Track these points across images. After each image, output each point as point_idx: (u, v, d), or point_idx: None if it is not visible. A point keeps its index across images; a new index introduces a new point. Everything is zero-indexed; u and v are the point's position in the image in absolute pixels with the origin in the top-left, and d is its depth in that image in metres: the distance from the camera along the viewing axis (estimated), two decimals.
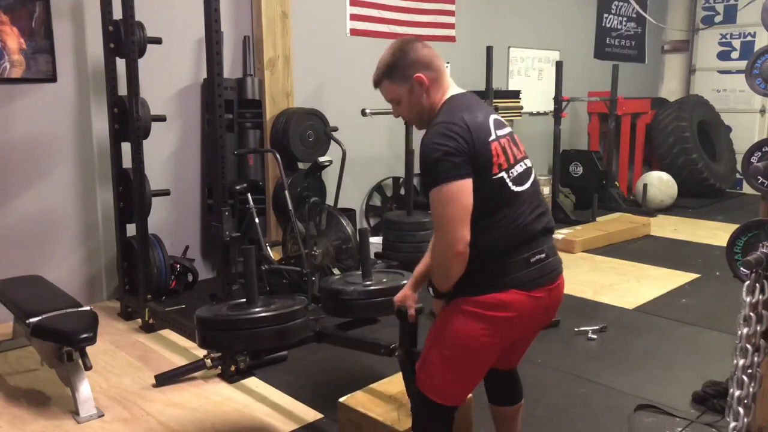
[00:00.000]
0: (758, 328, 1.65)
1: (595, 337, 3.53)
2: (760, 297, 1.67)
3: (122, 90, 3.73)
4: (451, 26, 6.17)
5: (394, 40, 1.92)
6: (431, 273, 1.88)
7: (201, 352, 3.15)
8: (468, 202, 1.68)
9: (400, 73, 1.83)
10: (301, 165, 4.83)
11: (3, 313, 3.40)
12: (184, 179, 4.54)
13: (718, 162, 7.90)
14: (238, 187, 4.11)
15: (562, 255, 1.95)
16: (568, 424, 2.65)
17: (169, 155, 4.45)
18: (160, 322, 3.65)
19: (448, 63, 1.95)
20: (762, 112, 8.44)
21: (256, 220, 4.08)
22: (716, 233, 5.81)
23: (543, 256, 1.78)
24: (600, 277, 4.71)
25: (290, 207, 4.06)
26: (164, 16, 4.24)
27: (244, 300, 2.40)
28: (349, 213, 4.89)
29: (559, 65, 6.40)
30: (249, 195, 4.08)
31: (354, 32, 5.43)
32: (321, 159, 4.44)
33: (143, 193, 3.68)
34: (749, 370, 1.64)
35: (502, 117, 1.98)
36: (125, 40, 3.56)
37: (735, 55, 8.65)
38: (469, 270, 1.72)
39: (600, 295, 4.29)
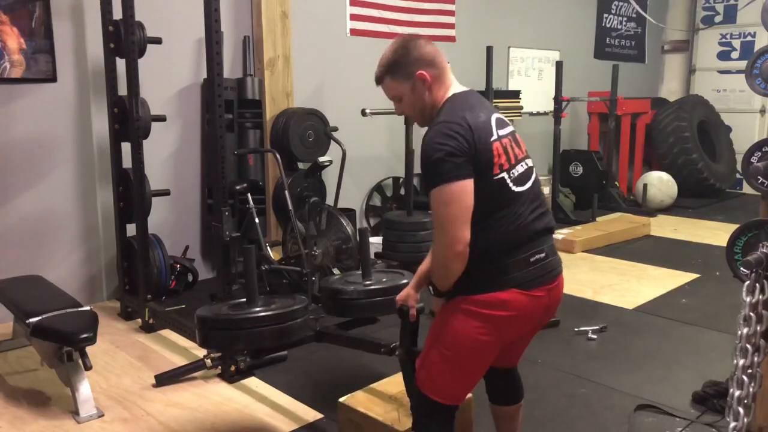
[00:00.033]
0: (758, 328, 1.66)
1: (595, 337, 3.53)
2: (760, 297, 1.67)
3: (122, 90, 3.73)
4: (451, 26, 6.17)
5: (395, 38, 1.90)
6: (431, 272, 1.88)
7: (201, 352, 3.15)
8: (469, 203, 1.68)
9: (403, 70, 1.82)
10: (301, 165, 4.83)
11: (3, 313, 3.40)
12: (184, 179, 4.54)
13: (718, 162, 7.90)
14: (238, 187, 4.11)
15: (562, 255, 1.95)
16: (568, 424, 2.65)
17: (169, 155, 4.45)
18: (160, 322, 3.65)
19: (448, 63, 1.93)
20: (762, 112, 8.44)
21: (256, 220, 4.08)
22: (716, 233, 5.81)
23: (543, 255, 1.78)
24: (600, 277, 4.71)
25: (290, 207, 4.06)
26: (164, 16, 4.24)
27: (245, 299, 2.40)
28: (349, 213, 4.89)
29: (559, 65, 6.40)
30: (249, 195, 4.08)
31: (354, 32, 5.43)
32: (321, 159, 4.44)
33: (143, 193, 3.68)
34: (749, 370, 1.64)
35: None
36: (125, 40, 3.56)
37: (735, 55, 8.65)
38: (469, 269, 1.73)
39: (600, 295, 4.29)
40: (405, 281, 2.55)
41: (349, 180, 5.22)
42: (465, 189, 1.68)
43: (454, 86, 1.87)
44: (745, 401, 1.64)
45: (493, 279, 1.74)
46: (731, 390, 1.66)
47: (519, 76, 7.13)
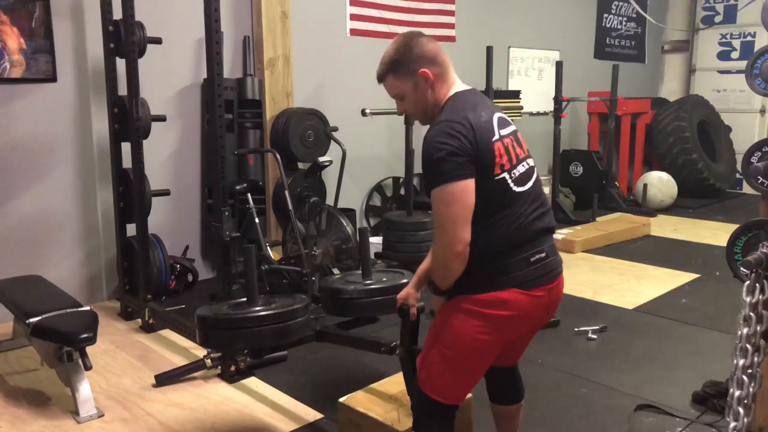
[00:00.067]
0: (758, 328, 1.65)
1: (595, 337, 3.53)
2: (760, 297, 1.66)
3: (122, 90, 3.73)
4: (451, 26, 6.17)
5: (397, 35, 1.90)
6: (431, 271, 1.88)
7: (201, 352, 3.15)
8: (470, 203, 1.68)
9: (405, 68, 1.81)
10: (301, 165, 4.83)
11: (3, 313, 3.40)
12: (184, 179, 4.54)
13: (718, 162, 7.90)
14: (238, 187, 4.11)
15: (562, 255, 1.95)
16: (568, 424, 2.65)
17: (169, 155, 4.45)
18: (160, 322, 3.65)
19: None
20: (762, 112, 8.44)
21: (256, 220, 4.08)
22: (716, 233, 5.81)
23: (543, 255, 1.78)
24: (600, 277, 4.71)
25: (290, 207, 4.06)
26: (164, 16, 4.24)
27: (245, 299, 2.41)
28: (349, 213, 4.89)
29: (559, 65, 6.40)
30: (249, 195, 4.08)
31: (354, 32, 5.43)
32: (321, 159, 4.44)
33: (143, 193, 3.68)
34: (749, 370, 1.64)
35: None
36: (125, 40, 3.56)
37: (735, 55, 8.65)
38: (469, 268, 1.72)
39: (600, 295, 4.29)
40: (405, 281, 2.55)
41: (349, 180, 5.22)
42: (466, 189, 1.67)
43: (457, 84, 1.86)
44: (745, 401, 1.64)
45: (494, 278, 1.74)
46: (731, 390, 1.66)
47: (519, 76, 7.14)
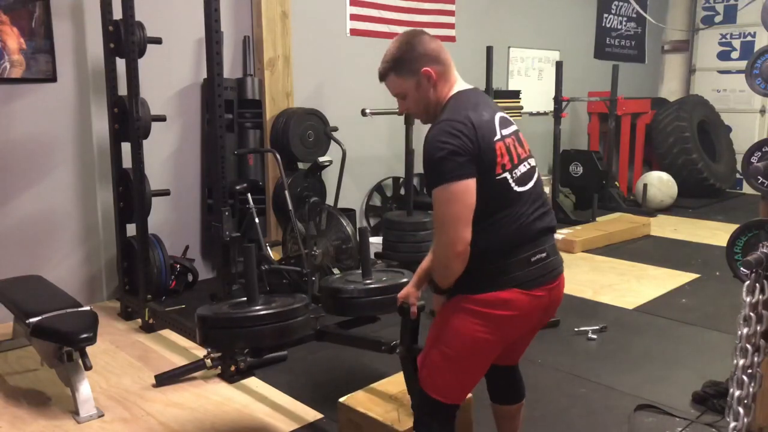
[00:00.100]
0: (758, 328, 1.65)
1: (595, 337, 3.53)
2: (760, 297, 1.66)
3: (122, 90, 3.73)
4: (451, 26, 6.17)
5: (398, 34, 1.89)
6: (432, 270, 1.88)
7: (201, 352, 3.15)
8: (471, 203, 1.67)
9: (407, 66, 1.80)
10: (301, 165, 4.83)
11: (3, 313, 3.40)
12: (184, 179, 4.54)
13: (718, 162, 7.90)
14: (238, 187, 4.11)
15: (562, 255, 1.95)
16: (568, 424, 2.65)
17: (169, 155, 4.45)
18: (160, 322, 3.65)
19: None
20: (762, 112, 8.45)
21: (256, 220, 4.08)
22: (716, 233, 5.81)
23: (544, 255, 1.78)
24: (600, 277, 4.71)
25: (290, 207, 4.06)
26: (164, 16, 4.24)
27: (245, 298, 2.41)
28: (349, 213, 4.89)
29: (559, 65, 6.40)
30: (249, 195, 4.08)
31: (354, 32, 5.43)
32: (321, 159, 4.45)
33: (143, 193, 3.68)
34: (749, 370, 1.64)
35: None
36: (125, 40, 3.56)
37: (735, 55, 8.65)
38: (470, 268, 1.72)
39: (600, 295, 4.29)
40: (405, 280, 2.54)
41: (349, 180, 5.22)
42: (467, 189, 1.67)
43: (459, 84, 1.85)
44: (745, 401, 1.64)
45: (495, 278, 1.74)
46: (731, 390, 1.66)
47: (519, 76, 7.14)
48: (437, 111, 1.82)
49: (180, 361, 3.22)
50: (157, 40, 3.78)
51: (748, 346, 1.65)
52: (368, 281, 2.61)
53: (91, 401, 2.74)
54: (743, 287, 1.68)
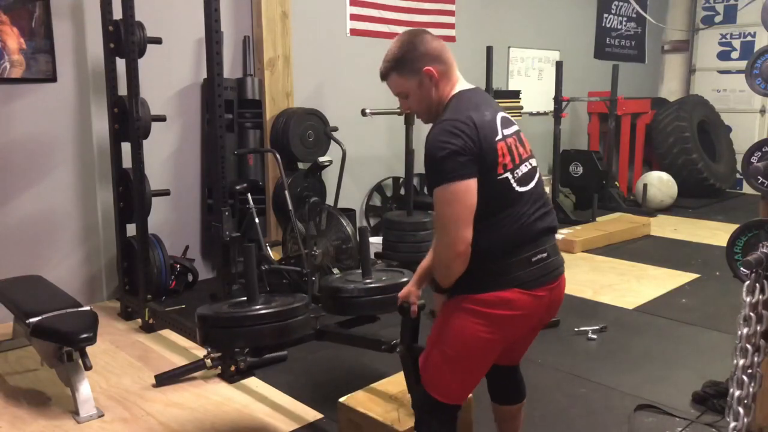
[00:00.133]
0: (758, 328, 1.65)
1: (595, 337, 3.53)
2: (760, 297, 1.66)
3: (122, 90, 3.73)
4: (451, 26, 6.17)
5: (398, 34, 1.88)
6: (433, 270, 1.88)
7: (201, 352, 3.15)
8: (472, 203, 1.67)
9: (409, 66, 1.80)
10: (301, 165, 4.83)
11: (3, 313, 3.40)
12: (184, 179, 4.54)
13: (718, 162, 7.90)
14: (238, 187, 4.11)
15: (562, 255, 1.94)
16: (568, 424, 2.65)
17: (169, 155, 4.45)
18: (160, 322, 3.65)
19: None
20: (762, 112, 8.45)
21: (256, 220, 4.08)
22: (716, 233, 5.81)
23: (545, 255, 1.78)
24: (600, 277, 4.71)
25: (290, 207, 4.06)
26: (164, 16, 4.24)
27: (245, 298, 2.41)
28: (349, 213, 4.89)
29: (559, 65, 6.40)
30: (249, 195, 4.08)
31: (354, 32, 5.43)
32: (321, 159, 4.45)
33: (143, 193, 3.68)
34: (749, 370, 1.64)
35: None
36: (125, 40, 3.56)
37: (735, 55, 8.65)
38: (471, 268, 1.72)
39: (600, 295, 4.29)
40: (405, 279, 2.55)
41: (349, 180, 5.22)
42: (468, 188, 1.66)
43: (461, 83, 1.85)
44: (745, 401, 1.64)
45: (496, 278, 1.74)
46: (731, 390, 1.66)
47: (519, 76, 7.14)
48: (439, 110, 1.81)
49: (180, 361, 3.22)
50: (157, 40, 3.78)
51: (748, 346, 1.65)
52: (368, 280, 2.61)
53: (91, 401, 2.74)
54: (743, 287, 1.68)
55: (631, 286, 4.50)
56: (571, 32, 7.64)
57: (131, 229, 3.84)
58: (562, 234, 5.49)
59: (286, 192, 4.10)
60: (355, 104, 4.82)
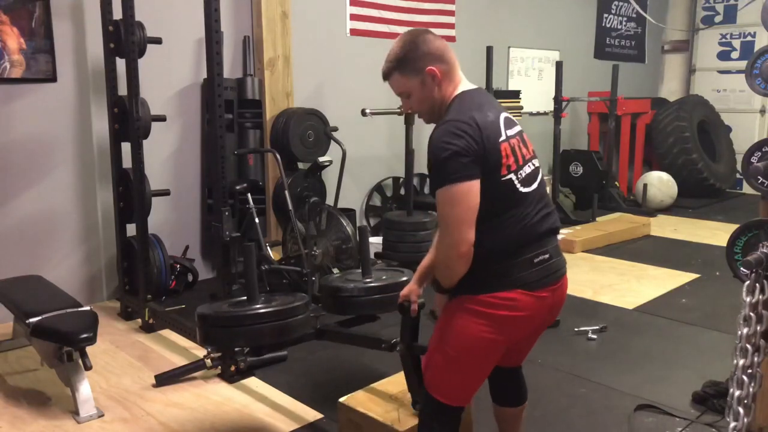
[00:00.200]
0: (758, 328, 1.65)
1: (595, 337, 3.53)
2: (760, 297, 1.66)
3: (122, 90, 3.73)
4: (451, 26, 6.17)
5: (395, 39, 1.87)
6: (435, 270, 1.87)
7: (201, 352, 3.15)
8: (475, 204, 1.67)
9: (412, 65, 1.79)
10: (301, 165, 4.83)
11: (3, 313, 3.40)
12: (184, 179, 4.54)
13: (718, 162, 7.90)
14: (238, 187, 4.11)
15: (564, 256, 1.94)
16: (568, 424, 2.65)
17: (169, 155, 4.45)
18: (160, 322, 3.65)
19: None
20: (762, 112, 8.45)
21: (256, 220, 4.08)
22: (716, 233, 5.81)
23: (547, 256, 1.78)
24: (600, 277, 4.71)
25: (290, 207, 4.06)
26: (164, 16, 4.24)
27: (245, 297, 2.41)
28: (349, 213, 4.89)
29: (559, 65, 6.40)
30: (249, 195, 4.08)
31: (354, 32, 5.43)
32: (321, 159, 4.44)
33: (143, 193, 3.68)
34: (749, 370, 1.64)
35: None
36: (125, 40, 3.56)
37: (735, 55, 8.65)
38: (473, 268, 1.72)
39: (600, 295, 4.29)
40: (405, 279, 2.55)
41: (349, 180, 5.22)
42: (471, 190, 1.66)
43: (463, 83, 1.85)
44: (745, 401, 1.64)
45: (498, 279, 1.74)
46: (731, 390, 1.66)
47: (519, 76, 7.14)
48: (442, 110, 1.81)
49: (180, 361, 3.22)
50: (157, 40, 3.78)
51: (748, 346, 1.65)
52: (368, 280, 2.61)
53: (91, 401, 2.74)
54: (743, 287, 1.68)
55: (631, 286, 4.50)
56: (571, 32, 7.64)
57: (131, 229, 3.84)
58: (562, 234, 5.48)
59: (286, 192, 4.10)
60: (355, 104, 4.82)
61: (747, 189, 7.78)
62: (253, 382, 3.04)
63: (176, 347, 3.47)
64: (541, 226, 1.78)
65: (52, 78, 3.87)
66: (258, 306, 2.29)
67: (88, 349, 2.69)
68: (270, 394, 2.92)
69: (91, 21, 3.95)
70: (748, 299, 1.66)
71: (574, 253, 5.30)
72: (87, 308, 2.90)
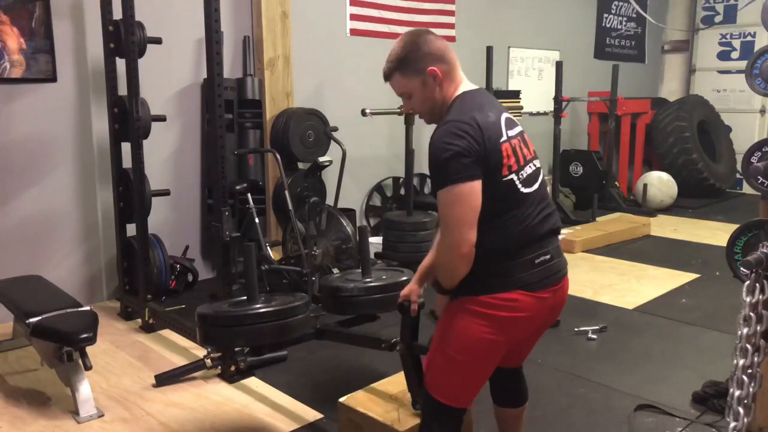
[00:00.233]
0: (758, 328, 1.65)
1: (595, 337, 3.53)
2: (760, 297, 1.66)
3: (122, 90, 3.73)
4: (451, 26, 6.17)
5: (396, 39, 1.88)
6: (436, 271, 1.87)
7: (201, 352, 3.15)
8: (476, 204, 1.66)
9: (413, 66, 1.79)
10: (301, 165, 4.83)
11: (3, 313, 3.40)
12: (184, 179, 4.54)
13: (718, 162, 7.90)
14: (238, 187, 4.11)
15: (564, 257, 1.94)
16: (568, 424, 2.65)
17: (169, 155, 4.45)
18: (160, 322, 3.65)
19: None
20: (762, 112, 8.45)
21: (256, 220, 4.08)
22: (716, 233, 5.81)
23: (548, 257, 1.78)
24: (600, 277, 4.71)
25: (290, 207, 4.06)
26: (164, 16, 4.24)
27: (245, 297, 2.41)
28: (349, 213, 4.89)
29: (559, 65, 6.40)
30: (249, 195, 4.08)
31: (354, 32, 5.43)
32: (321, 159, 4.44)
33: (143, 193, 3.68)
34: (749, 370, 1.64)
35: None
36: (125, 40, 3.56)
37: (735, 55, 8.65)
38: (474, 269, 1.72)
39: (600, 295, 4.29)
40: (405, 278, 2.55)
41: (349, 180, 5.22)
42: (473, 190, 1.66)
43: (464, 84, 1.84)
44: (745, 401, 1.64)
45: (499, 280, 1.73)
46: (731, 390, 1.66)
47: (519, 76, 7.14)
48: (443, 111, 1.81)
49: (180, 361, 3.22)
50: (157, 40, 3.78)
51: (748, 346, 1.65)
52: (368, 279, 2.61)
53: (91, 401, 2.74)
54: (743, 287, 1.68)
55: (631, 286, 4.49)
56: (571, 32, 7.64)
57: (131, 229, 3.84)
58: (562, 234, 5.48)
59: (286, 192, 4.10)
60: (355, 104, 4.82)
61: (747, 189, 7.78)
62: (253, 382, 3.04)
63: (176, 347, 3.47)
64: (542, 226, 1.78)
65: (52, 78, 3.87)
66: (258, 306, 2.29)
67: (88, 349, 2.69)
68: (270, 394, 2.92)
69: (91, 21, 3.95)
70: (748, 299, 1.66)
71: (574, 253, 5.30)
72: (87, 308, 2.90)
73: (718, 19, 8.79)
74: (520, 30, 7.01)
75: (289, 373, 3.12)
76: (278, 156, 4.16)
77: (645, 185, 7.05)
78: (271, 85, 4.79)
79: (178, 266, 4.29)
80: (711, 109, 8.14)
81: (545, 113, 7.25)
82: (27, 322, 2.75)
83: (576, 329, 3.60)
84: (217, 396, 2.91)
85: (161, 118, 3.81)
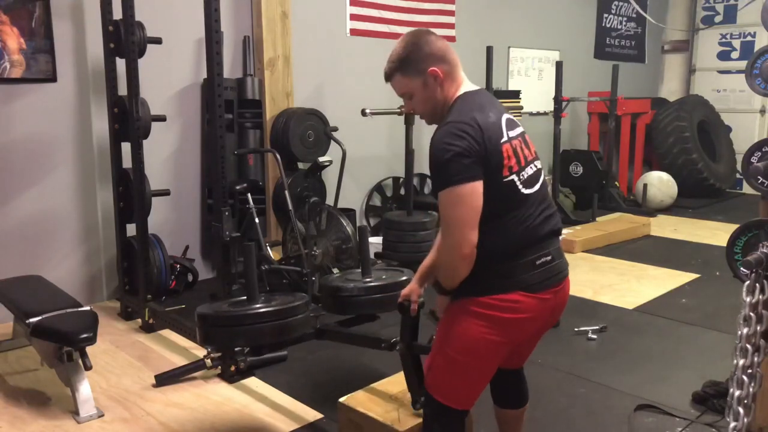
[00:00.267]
0: (758, 328, 1.65)
1: (595, 337, 3.53)
2: (760, 297, 1.66)
3: (122, 90, 3.73)
4: (451, 26, 6.17)
5: (396, 39, 1.87)
6: (437, 271, 1.87)
7: (201, 352, 3.15)
8: (477, 205, 1.66)
9: (414, 66, 1.79)
10: (301, 165, 4.83)
11: (3, 313, 3.40)
12: (184, 179, 4.54)
13: (718, 162, 7.90)
14: (238, 187, 4.11)
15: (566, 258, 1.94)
16: (568, 424, 2.65)
17: (169, 155, 4.45)
18: (160, 322, 3.65)
19: None
20: (762, 112, 8.45)
21: (256, 220, 4.08)
22: (716, 233, 5.81)
23: (549, 258, 1.78)
24: (600, 277, 4.71)
25: (290, 207, 4.06)
26: (164, 16, 4.24)
27: (245, 297, 2.41)
28: (349, 213, 4.89)
29: (559, 65, 6.40)
30: (249, 195, 4.08)
31: (354, 32, 5.43)
32: (321, 159, 4.44)
33: (143, 193, 3.68)
34: (749, 370, 1.64)
35: None
36: (125, 40, 3.56)
37: (735, 55, 8.65)
38: (475, 270, 1.71)
39: (600, 295, 4.29)
40: (405, 278, 2.55)
41: (349, 180, 5.22)
42: (474, 191, 1.65)
43: (465, 84, 1.84)
44: (745, 401, 1.64)
45: (500, 281, 1.73)
46: (731, 390, 1.66)
47: (519, 76, 7.14)
48: (444, 111, 1.80)
49: (180, 361, 3.22)
50: (157, 40, 3.78)
51: (748, 346, 1.65)
52: (368, 279, 2.61)
53: (91, 401, 2.74)
54: (743, 287, 1.68)
55: (631, 286, 4.49)
56: (571, 32, 7.64)
57: (131, 229, 3.84)
58: (562, 234, 5.49)
59: (286, 192, 4.10)
60: (355, 104, 4.82)
61: (747, 189, 7.78)
62: (253, 382, 3.04)
63: (176, 347, 3.47)
64: (543, 227, 1.78)
65: (52, 78, 3.87)
66: (258, 306, 2.29)
67: (88, 349, 2.69)
68: (270, 394, 2.92)
69: (91, 21, 3.95)
70: (748, 299, 1.66)
71: (574, 253, 5.30)
72: (87, 308, 2.90)
73: (718, 19, 8.79)
74: (520, 30, 7.01)
75: (289, 373, 3.12)
76: (278, 156, 4.16)
77: (645, 185, 7.05)
78: (271, 85, 4.79)
79: (178, 266, 4.29)
80: (711, 109, 8.14)
81: (545, 113, 7.25)
82: (27, 322, 2.75)
83: (576, 329, 3.60)
84: (217, 396, 2.91)
85: (161, 118, 3.81)
